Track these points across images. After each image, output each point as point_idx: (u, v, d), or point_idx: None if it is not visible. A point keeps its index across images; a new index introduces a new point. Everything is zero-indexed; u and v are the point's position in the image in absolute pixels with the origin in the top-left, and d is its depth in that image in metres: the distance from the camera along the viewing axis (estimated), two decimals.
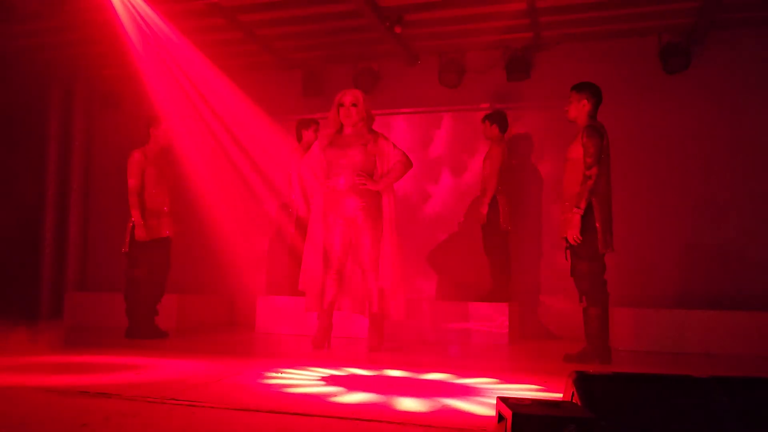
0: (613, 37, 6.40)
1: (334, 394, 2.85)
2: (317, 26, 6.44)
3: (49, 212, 7.72)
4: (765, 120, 6.02)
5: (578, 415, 1.79)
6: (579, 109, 4.46)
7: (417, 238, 6.64)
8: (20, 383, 2.99)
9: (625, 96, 6.14)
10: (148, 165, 5.39)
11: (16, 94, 7.22)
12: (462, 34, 6.47)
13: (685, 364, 4.53)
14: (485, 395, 2.91)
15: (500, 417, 2.00)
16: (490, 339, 5.59)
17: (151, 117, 5.64)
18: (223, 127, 7.12)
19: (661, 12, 5.90)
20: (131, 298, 5.35)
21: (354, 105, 4.75)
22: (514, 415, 1.78)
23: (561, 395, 2.60)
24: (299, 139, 6.26)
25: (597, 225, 4.27)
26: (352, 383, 3.19)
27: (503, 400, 1.96)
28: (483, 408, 2.60)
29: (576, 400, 1.96)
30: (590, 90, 4.45)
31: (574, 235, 4.27)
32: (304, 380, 3.24)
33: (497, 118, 6.07)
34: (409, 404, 2.66)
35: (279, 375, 3.36)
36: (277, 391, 2.92)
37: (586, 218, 4.27)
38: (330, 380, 3.27)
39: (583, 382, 1.98)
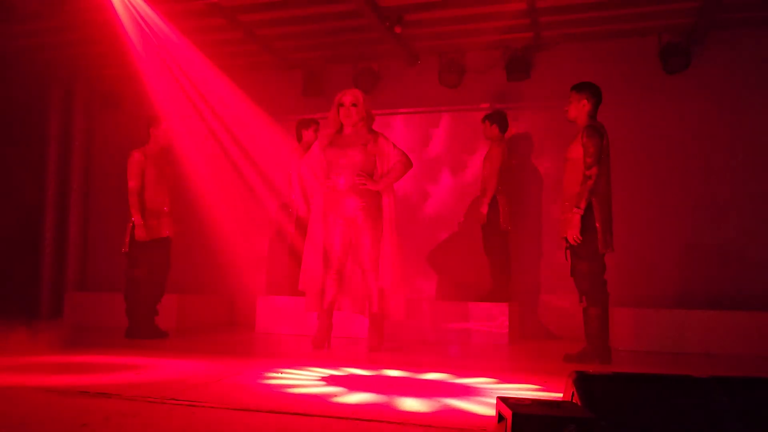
0: (613, 37, 6.40)
1: (334, 394, 2.85)
2: (317, 26, 6.44)
3: (49, 212, 7.73)
4: (765, 120, 6.02)
5: (578, 415, 1.79)
6: (579, 109, 4.46)
7: (417, 237, 6.65)
8: (20, 383, 2.99)
9: (625, 96, 6.14)
10: (148, 165, 5.38)
11: (16, 94, 7.23)
12: (462, 34, 6.47)
13: (685, 364, 4.53)
14: (484, 395, 2.91)
15: (500, 417, 2.00)
16: (490, 339, 5.59)
17: (151, 117, 5.64)
18: (223, 127, 7.12)
19: (661, 12, 5.91)
20: (131, 298, 5.35)
21: (354, 105, 4.75)
22: (514, 415, 1.78)
23: (560, 395, 2.60)
24: (299, 139, 6.26)
25: (597, 225, 4.27)
26: (351, 383, 3.19)
27: (503, 400, 1.96)
28: (482, 408, 2.60)
29: (576, 400, 1.96)
30: (590, 90, 4.45)
31: (574, 235, 4.27)
32: (304, 380, 3.24)
33: (497, 118, 6.07)
34: (408, 404, 2.66)
35: (279, 375, 3.36)
36: (277, 391, 2.92)
37: (586, 218, 4.27)
38: (330, 380, 3.27)
39: (583, 382, 1.98)
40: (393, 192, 4.92)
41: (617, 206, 4.50)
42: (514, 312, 5.81)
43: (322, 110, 5.88)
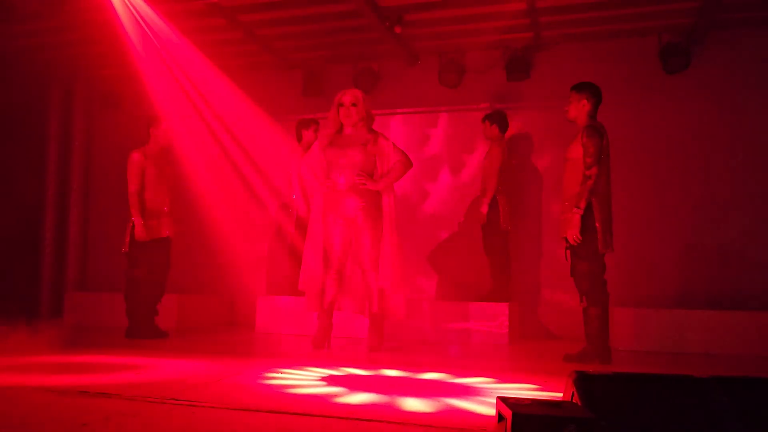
0: (613, 37, 6.40)
1: (334, 394, 2.85)
2: (317, 26, 6.44)
3: (49, 212, 7.73)
4: (765, 120, 6.02)
5: (578, 415, 1.79)
6: (579, 109, 4.46)
7: (417, 237, 6.64)
8: (20, 383, 2.99)
9: (625, 96, 6.14)
10: (148, 165, 5.38)
11: (16, 94, 7.22)
12: (462, 34, 6.47)
13: (685, 364, 4.53)
14: (482, 395, 2.91)
15: (500, 417, 2.00)
16: (490, 339, 5.59)
17: (151, 117, 5.64)
18: (223, 127, 7.11)
19: (661, 12, 5.91)
20: (131, 298, 5.35)
21: (354, 105, 4.75)
22: (514, 415, 1.78)
23: (558, 394, 2.60)
24: (299, 139, 6.26)
25: (597, 225, 4.27)
26: (351, 383, 3.19)
27: (503, 400, 1.96)
28: (482, 407, 2.60)
29: (576, 400, 1.96)
30: (590, 90, 4.45)
31: (574, 235, 4.27)
32: (304, 380, 3.24)
33: (497, 118, 6.07)
34: (407, 404, 2.65)
35: (279, 375, 3.36)
36: (277, 391, 2.92)
37: (586, 218, 4.27)
38: (330, 380, 3.27)
39: (583, 382, 1.98)
40: (393, 192, 4.92)
41: (617, 206, 4.50)
42: (514, 312, 5.81)
43: (322, 110, 5.88)
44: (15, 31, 6.57)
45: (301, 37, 6.72)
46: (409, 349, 4.99)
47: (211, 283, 7.23)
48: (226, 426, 2.24)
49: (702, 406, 1.89)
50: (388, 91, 7.00)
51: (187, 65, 6.75)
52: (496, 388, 3.12)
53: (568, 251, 4.39)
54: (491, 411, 2.36)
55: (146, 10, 6.05)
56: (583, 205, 4.25)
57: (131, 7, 6.09)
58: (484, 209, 5.91)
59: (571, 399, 2.02)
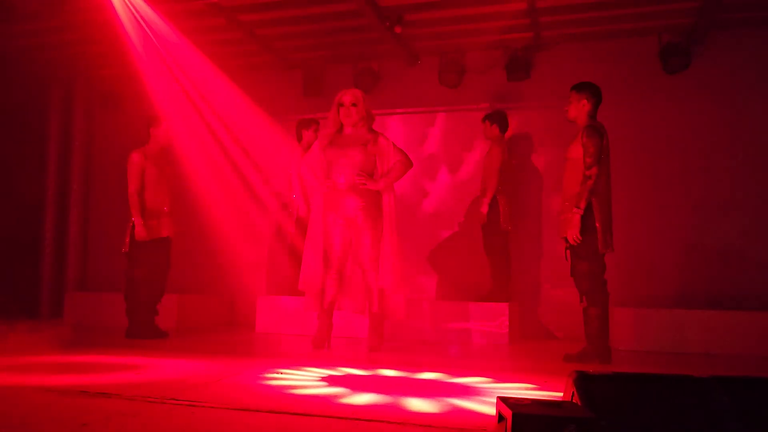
0: (613, 37, 6.40)
1: (335, 394, 2.85)
2: (317, 26, 6.44)
3: (49, 212, 7.73)
4: (765, 120, 6.02)
5: (578, 415, 1.79)
6: (579, 109, 4.46)
7: (416, 236, 6.63)
8: (20, 383, 3.00)
9: (625, 96, 6.14)
10: (148, 165, 5.38)
11: (16, 94, 7.23)
12: (462, 34, 6.47)
13: (685, 364, 4.53)
14: (480, 395, 2.92)
15: (500, 417, 2.00)
16: (490, 339, 5.59)
17: (151, 117, 5.64)
18: (223, 127, 7.11)
19: (661, 12, 5.91)
20: (131, 298, 5.35)
21: (354, 105, 4.74)
22: (514, 415, 1.78)
23: (558, 394, 2.60)
24: (299, 139, 6.26)
25: (597, 225, 4.27)
26: (351, 383, 3.19)
27: (503, 400, 1.96)
28: (481, 407, 2.60)
29: (576, 400, 1.96)
30: (590, 90, 4.45)
31: (574, 235, 4.27)
32: (304, 380, 3.24)
33: (497, 118, 6.07)
34: (407, 404, 2.65)
35: (279, 375, 3.36)
36: (277, 391, 2.92)
37: (586, 218, 4.27)
38: (330, 380, 3.27)
39: (583, 382, 1.98)
40: (393, 192, 4.92)
41: (617, 206, 4.50)
42: (514, 312, 5.81)
43: (322, 110, 5.87)
44: (15, 31, 6.57)
45: (301, 37, 6.72)
46: (409, 349, 4.99)
47: (211, 283, 7.23)
48: (226, 426, 2.24)
49: (702, 406, 1.89)
50: (388, 91, 7.00)
51: (187, 65, 6.75)
52: (494, 388, 3.12)
53: (568, 251, 4.39)
54: (490, 410, 2.36)
55: (146, 10, 6.05)
56: (583, 205, 4.25)
57: (131, 7, 6.09)
58: (484, 209, 5.91)
59: (571, 399, 2.02)
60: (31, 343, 4.42)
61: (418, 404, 2.66)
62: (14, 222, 7.24)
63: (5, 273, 6.79)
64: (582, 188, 4.26)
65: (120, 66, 6.98)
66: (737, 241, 5.97)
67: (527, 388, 3.18)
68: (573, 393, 2.00)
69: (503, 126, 6.07)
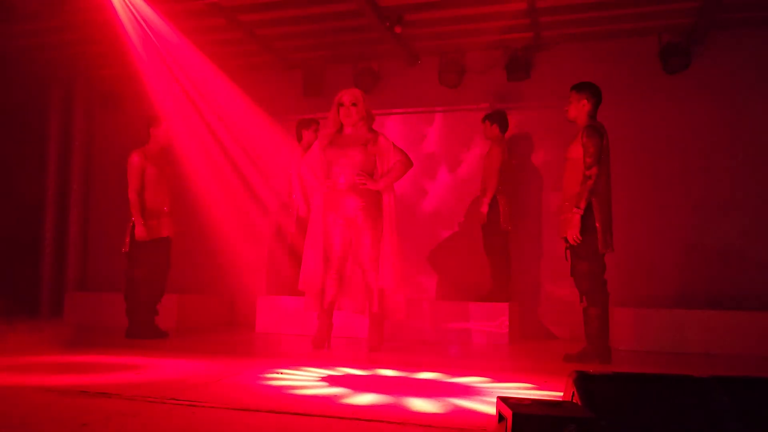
0: (613, 37, 6.40)
1: (335, 394, 2.85)
2: (317, 26, 6.44)
3: (49, 212, 7.73)
4: (765, 120, 6.02)
5: (578, 415, 1.79)
6: (579, 109, 4.46)
7: (416, 235, 6.63)
8: (20, 383, 3.00)
9: (625, 96, 6.14)
10: (148, 165, 5.38)
11: (16, 94, 7.23)
12: (462, 34, 6.47)
13: (685, 364, 4.53)
14: (479, 394, 2.92)
15: (500, 417, 2.00)
16: (490, 339, 5.59)
17: (151, 117, 5.64)
18: (223, 127, 7.12)
19: (661, 12, 5.91)
20: (131, 298, 5.35)
21: (354, 104, 4.74)
22: (514, 415, 1.78)
23: (557, 393, 2.60)
24: (299, 139, 6.26)
25: (597, 225, 4.27)
26: (351, 383, 3.19)
27: (503, 400, 1.96)
28: (481, 406, 2.60)
29: (576, 399, 1.96)
30: (590, 90, 4.45)
31: (574, 235, 4.27)
32: (304, 380, 3.24)
33: (497, 118, 6.07)
34: (406, 404, 2.65)
35: (279, 375, 3.36)
36: (277, 391, 2.92)
37: (586, 218, 4.27)
38: (330, 380, 3.27)
39: (583, 382, 1.98)
40: (393, 191, 4.92)
41: (617, 206, 4.50)
42: (514, 312, 5.80)
43: (322, 110, 5.87)
44: (15, 31, 6.57)
45: (301, 37, 6.72)
46: (409, 349, 4.99)
47: (211, 283, 7.23)
48: (226, 426, 2.24)
49: (702, 406, 1.89)
50: (388, 91, 7.00)
51: (187, 65, 6.75)
52: (493, 388, 3.12)
53: (568, 251, 4.39)
54: (490, 410, 2.36)
55: (146, 10, 6.05)
56: (583, 205, 4.25)
57: (131, 7, 6.09)
58: (485, 209, 5.91)
59: (572, 399, 2.02)
60: (31, 343, 4.43)
61: (418, 404, 2.66)
62: (14, 222, 7.24)
63: (5, 273, 6.79)
64: (582, 188, 4.26)
65: (120, 66, 6.98)
66: (737, 241, 5.97)
67: (527, 388, 3.18)
68: (573, 393, 2.00)
69: (503, 126, 6.07)
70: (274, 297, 6.31)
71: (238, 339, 5.76)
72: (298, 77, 7.26)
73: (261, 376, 3.33)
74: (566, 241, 4.36)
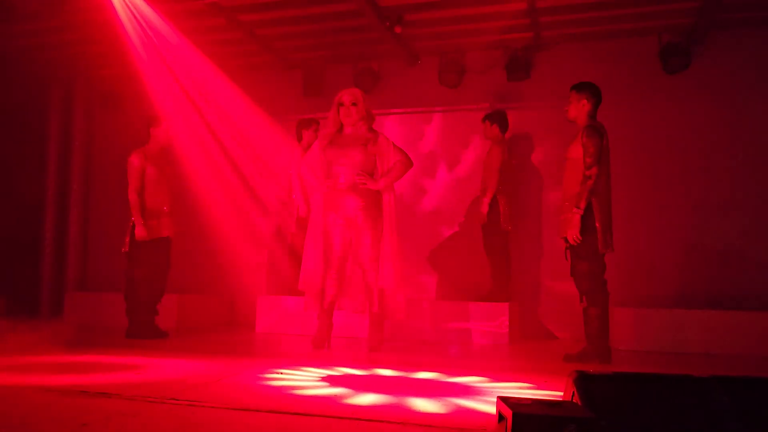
0: (613, 37, 6.40)
1: (335, 394, 2.85)
2: (317, 26, 6.44)
3: (49, 212, 7.73)
4: (765, 120, 6.02)
5: (578, 414, 1.79)
6: (579, 108, 4.46)
7: (416, 235, 6.63)
8: (20, 383, 2.99)
9: (625, 96, 6.14)
10: (148, 165, 5.38)
11: (16, 94, 7.23)
12: (462, 34, 6.47)
13: (685, 364, 4.53)
14: (477, 394, 2.92)
15: (500, 417, 2.00)
16: (490, 339, 5.59)
17: (151, 117, 5.64)
18: (223, 127, 7.12)
19: (661, 12, 5.91)
20: (131, 298, 5.35)
21: (354, 104, 4.74)
22: (514, 415, 1.78)
23: (556, 393, 2.60)
24: (299, 139, 6.26)
25: (597, 225, 4.27)
26: (351, 383, 3.19)
27: (504, 399, 1.96)
28: (481, 406, 2.60)
29: (576, 399, 1.96)
30: (590, 90, 4.45)
31: (573, 235, 4.27)
32: (304, 380, 3.24)
33: (497, 118, 6.07)
34: (406, 404, 2.65)
35: (279, 375, 3.36)
36: (277, 391, 2.91)
37: (586, 218, 4.27)
38: (330, 380, 3.27)
39: (583, 381, 1.98)
40: (393, 191, 4.92)
41: (617, 206, 4.50)
42: (514, 312, 5.81)
43: (322, 110, 5.87)
44: (15, 31, 6.57)
45: (301, 37, 6.72)
46: (409, 349, 4.99)
47: (211, 283, 7.23)
48: (226, 426, 2.24)
49: (702, 406, 1.89)
50: (388, 91, 7.00)
51: (187, 65, 6.76)
52: (493, 388, 3.12)
53: (568, 251, 4.39)
54: (489, 410, 2.36)
55: (146, 10, 6.05)
56: (583, 205, 4.25)
57: (131, 7, 6.09)
58: (485, 209, 5.91)
59: (572, 399, 2.02)
60: (31, 343, 4.42)
61: (418, 404, 2.65)
62: (14, 222, 7.24)
63: (5, 273, 6.79)
64: (582, 188, 4.26)
65: (120, 66, 6.98)
66: (737, 241, 5.97)
67: (527, 388, 3.18)
68: (573, 393, 2.00)
69: (503, 126, 6.07)
70: (274, 297, 6.31)
71: (238, 339, 5.76)
72: (298, 77, 7.26)
73: (261, 376, 3.33)
74: (566, 241, 4.36)
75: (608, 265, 4.38)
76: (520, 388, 3.18)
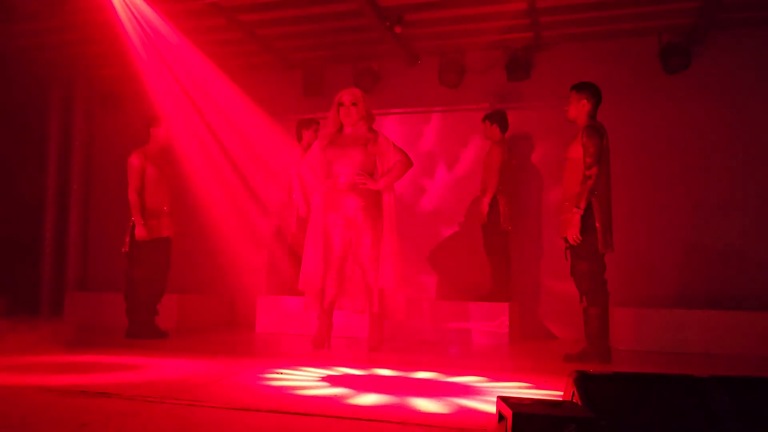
0: (613, 37, 6.40)
1: (335, 394, 2.85)
2: (317, 26, 6.44)
3: (49, 212, 7.73)
4: (765, 120, 6.02)
5: (578, 414, 1.79)
6: (579, 108, 4.46)
7: (416, 234, 6.62)
8: (20, 383, 2.99)
9: (625, 96, 6.14)
10: (148, 165, 5.38)
11: (16, 94, 7.23)
12: (462, 34, 6.47)
13: (685, 364, 4.53)
14: (478, 394, 2.92)
15: (500, 416, 2.00)
16: (490, 339, 5.59)
17: (151, 117, 5.64)
18: (223, 127, 7.12)
19: (661, 12, 5.91)
20: (131, 298, 5.35)
21: (354, 104, 4.74)
22: (514, 415, 1.78)
23: (555, 392, 2.60)
24: (299, 139, 6.26)
25: (597, 225, 4.26)
26: (351, 383, 3.19)
27: (504, 399, 1.96)
28: (481, 405, 2.60)
29: (576, 399, 1.96)
30: (590, 90, 4.45)
31: (573, 235, 4.27)
32: (304, 380, 3.24)
33: (497, 118, 6.07)
34: (406, 404, 2.65)
35: (279, 375, 3.36)
36: (277, 391, 2.91)
37: (586, 218, 4.27)
38: (330, 380, 3.27)
39: (583, 381, 1.98)
40: (393, 191, 4.92)
41: (617, 206, 4.50)
42: (514, 312, 5.81)
43: (322, 110, 5.87)
44: (15, 31, 6.57)
45: (301, 37, 6.72)
46: (409, 349, 4.99)
47: (211, 283, 7.23)
48: (226, 426, 2.24)
49: (702, 406, 1.89)
50: (388, 91, 7.00)
51: (187, 65, 6.75)
52: (492, 388, 3.12)
53: (568, 251, 4.39)
54: (489, 410, 2.36)
55: (146, 10, 6.05)
56: (583, 205, 4.25)
57: (131, 7, 6.09)
58: (485, 209, 5.91)
59: (572, 399, 2.02)
60: (31, 343, 4.42)
61: (418, 404, 2.65)
62: (14, 222, 7.24)
63: (6, 273, 6.79)
64: (582, 188, 4.26)
65: (120, 66, 6.98)
66: (737, 241, 5.97)
67: (527, 388, 3.18)
68: (573, 393, 2.00)
69: (503, 126, 6.07)
70: (274, 297, 6.31)
71: (238, 339, 5.76)
72: (298, 77, 7.26)
73: (261, 376, 3.33)
74: (566, 241, 4.36)
75: (608, 265, 4.38)
76: (520, 387, 3.18)
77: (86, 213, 7.93)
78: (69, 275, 7.70)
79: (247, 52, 7.06)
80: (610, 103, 4.76)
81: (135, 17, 6.17)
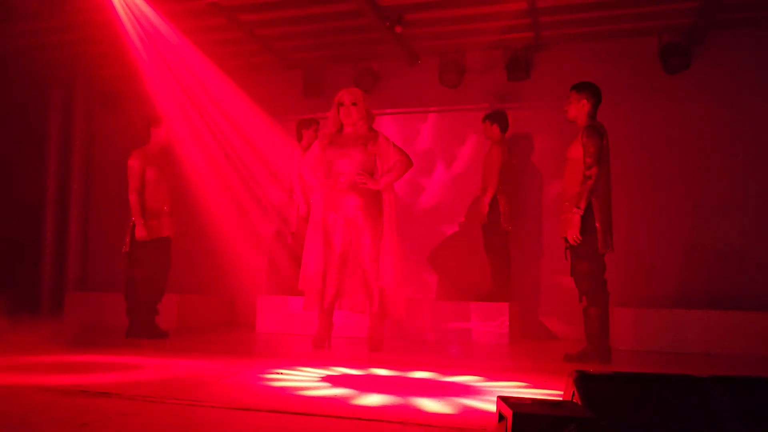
0: (613, 37, 6.40)
1: (335, 394, 2.85)
2: (317, 26, 6.44)
3: (50, 212, 7.73)
4: (765, 120, 6.02)
5: (578, 414, 1.79)
6: (579, 108, 4.46)
7: (416, 234, 6.63)
8: (20, 383, 2.99)
9: (625, 96, 6.15)
10: (148, 165, 5.38)
11: (16, 94, 7.23)
12: (462, 34, 6.47)
13: (685, 364, 4.53)
14: (478, 394, 2.91)
15: (500, 416, 2.00)
16: (490, 339, 5.59)
17: (151, 117, 5.64)
18: (223, 127, 7.12)
19: (661, 12, 5.91)
20: (131, 297, 5.35)
21: (354, 104, 4.74)
22: (514, 415, 1.78)
23: (555, 392, 2.60)
24: (299, 139, 6.27)
25: (597, 225, 4.27)
26: (351, 383, 3.19)
27: (504, 399, 1.96)
28: (481, 405, 2.60)
29: (576, 399, 1.96)
30: (590, 90, 4.45)
31: (573, 235, 4.27)
32: (304, 380, 3.24)
33: (498, 118, 6.07)
34: (406, 403, 2.65)
35: (279, 375, 3.36)
36: (278, 391, 2.91)
37: (586, 218, 4.27)
38: (330, 380, 3.27)
39: (583, 381, 1.98)
40: (393, 191, 4.92)
41: (617, 206, 4.50)
42: (514, 312, 5.81)
43: (322, 110, 5.87)
44: (15, 31, 6.57)
45: (301, 37, 6.72)
46: (409, 349, 4.99)
47: (211, 283, 7.23)
48: (226, 426, 2.24)
49: (702, 406, 1.89)
50: (388, 91, 7.00)
51: (187, 65, 6.76)
52: (491, 387, 3.12)
53: (568, 251, 4.39)
54: (489, 409, 2.36)
55: (146, 10, 6.05)
56: (583, 205, 4.25)
57: (131, 7, 6.09)
58: (485, 209, 5.91)
59: (572, 399, 2.02)
60: (31, 343, 4.42)
61: (418, 404, 2.65)
62: (14, 222, 7.24)
63: (6, 272, 6.79)
64: (582, 188, 4.26)
65: (120, 66, 6.98)
66: (737, 241, 5.97)
67: (527, 387, 3.18)
68: (573, 393, 2.00)
69: (503, 126, 6.07)
70: (274, 297, 6.31)
71: (238, 339, 5.76)
72: (298, 77, 7.26)
73: (261, 376, 3.33)
74: (566, 241, 4.36)
75: (608, 265, 4.38)
76: (521, 387, 3.18)
77: (86, 213, 7.94)
78: (69, 275, 7.70)
79: (247, 52, 7.06)
80: (610, 103, 4.76)
81: (135, 17, 6.17)
